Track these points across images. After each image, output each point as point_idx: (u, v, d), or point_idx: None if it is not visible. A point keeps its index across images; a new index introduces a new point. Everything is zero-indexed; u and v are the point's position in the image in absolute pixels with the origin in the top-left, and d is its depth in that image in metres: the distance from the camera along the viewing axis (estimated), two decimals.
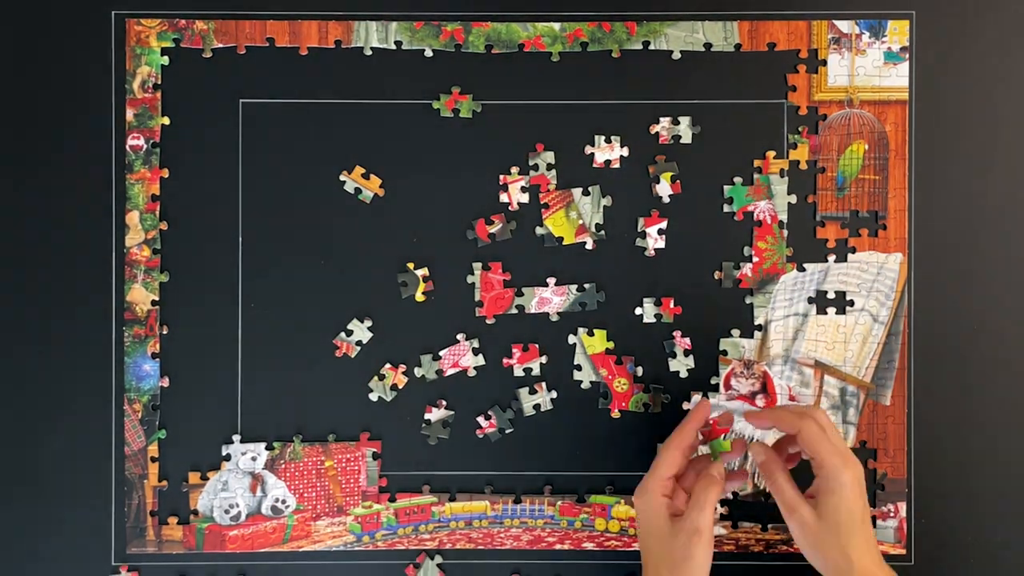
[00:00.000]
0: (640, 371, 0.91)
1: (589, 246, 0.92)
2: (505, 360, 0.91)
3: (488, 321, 0.91)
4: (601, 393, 0.91)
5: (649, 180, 0.92)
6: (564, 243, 0.91)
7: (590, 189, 0.92)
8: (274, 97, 0.92)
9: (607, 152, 0.91)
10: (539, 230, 0.92)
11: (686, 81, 0.92)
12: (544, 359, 0.91)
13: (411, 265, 0.91)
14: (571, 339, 0.91)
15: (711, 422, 0.80)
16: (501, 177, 0.91)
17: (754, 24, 0.92)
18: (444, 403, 0.91)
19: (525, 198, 0.92)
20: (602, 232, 0.91)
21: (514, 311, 0.91)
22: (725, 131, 0.91)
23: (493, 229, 0.91)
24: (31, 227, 0.91)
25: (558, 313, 0.91)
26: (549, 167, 0.91)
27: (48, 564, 0.90)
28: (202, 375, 0.91)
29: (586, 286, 0.91)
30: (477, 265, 0.91)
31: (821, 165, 0.92)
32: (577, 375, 0.91)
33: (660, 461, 0.78)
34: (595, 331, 0.91)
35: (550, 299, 0.91)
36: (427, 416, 0.91)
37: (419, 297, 0.91)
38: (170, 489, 0.91)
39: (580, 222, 0.92)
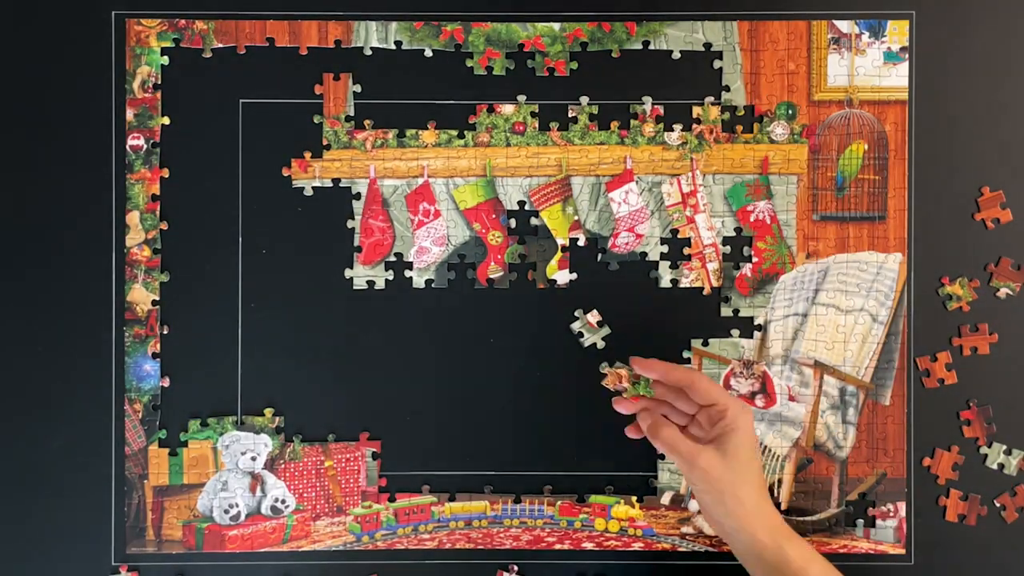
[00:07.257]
0: None
1: (581, 242, 0.92)
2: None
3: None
4: None
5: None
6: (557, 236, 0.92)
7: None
8: (274, 97, 0.92)
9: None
10: (534, 221, 0.92)
11: (686, 81, 0.92)
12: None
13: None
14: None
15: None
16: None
17: (754, 24, 0.92)
18: None
19: (523, 196, 0.92)
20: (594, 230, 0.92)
21: None
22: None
23: (494, 275, 0.92)
24: (31, 227, 0.91)
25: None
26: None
27: (48, 564, 0.90)
28: (202, 375, 0.91)
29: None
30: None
31: (821, 165, 0.92)
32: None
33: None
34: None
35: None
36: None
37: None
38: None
39: (576, 218, 0.92)
